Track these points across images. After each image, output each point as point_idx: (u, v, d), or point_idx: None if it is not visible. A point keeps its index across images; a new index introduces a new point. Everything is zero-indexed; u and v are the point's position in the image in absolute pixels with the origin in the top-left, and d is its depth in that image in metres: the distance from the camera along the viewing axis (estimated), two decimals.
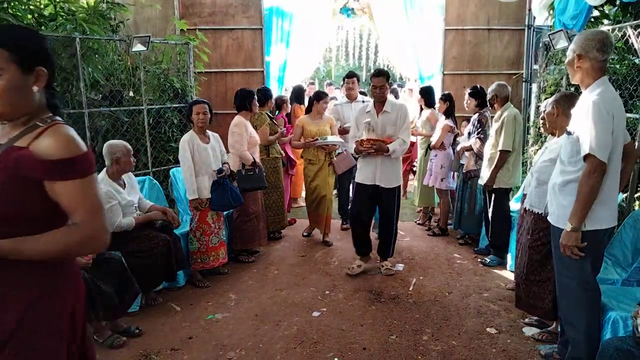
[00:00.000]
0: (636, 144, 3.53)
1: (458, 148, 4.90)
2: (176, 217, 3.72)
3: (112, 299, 2.99)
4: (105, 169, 3.39)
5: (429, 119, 5.53)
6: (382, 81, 3.94)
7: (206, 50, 5.66)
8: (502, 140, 4.12)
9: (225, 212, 4.24)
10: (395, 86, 7.95)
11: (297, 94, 6.35)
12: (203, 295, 3.81)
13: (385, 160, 3.94)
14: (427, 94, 5.59)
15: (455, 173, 5.13)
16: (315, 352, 2.95)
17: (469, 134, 4.71)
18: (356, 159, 4.44)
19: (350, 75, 5.22)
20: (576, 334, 2.47)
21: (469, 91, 4.73)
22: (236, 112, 4.44)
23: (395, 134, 3.94)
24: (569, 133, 2.41)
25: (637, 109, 3.57)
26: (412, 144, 5.94)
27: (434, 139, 5.18)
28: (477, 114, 4.68)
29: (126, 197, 3.42)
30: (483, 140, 4.49)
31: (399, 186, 4.10)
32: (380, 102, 3.94)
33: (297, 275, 4.17)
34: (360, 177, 4.06)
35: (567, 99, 2.75)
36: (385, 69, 4.72)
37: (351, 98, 5.25)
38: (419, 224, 5.71)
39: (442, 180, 5.13)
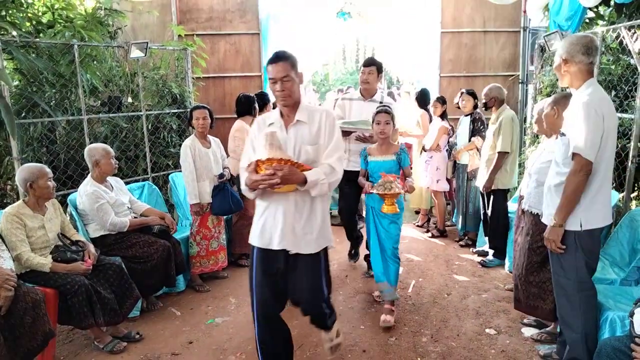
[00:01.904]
0: (632, 144, 3.56)
1: (457, 150, 4.92)
2: (174, 222, 3.74)
3: (112, 304, 3.00)
4: (90, 174, 3.44)
5: (419, 120, 5.57)
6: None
7: (204, 56, 5.69)
8: (500, 142, 4.15)
9: (225, 217, 4.26)
10: (392, 89, 7.99)
11: None
12: (203, 299, 3.82)
13: (301, 201, 2.29)
14: (421, 95, 5.64)
15: (452, 175, 5.16)
16: (315, 355, 2.96)
17: (472, 132, 4.73)
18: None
19: (368, 63, 4.04)
20: (573, 334, 2.49)
21: (467, 91, 4.78)
22: (235, 117, 4.47)
23: (316, 158, 2.32)
24: (563, 135, 2.44)
25: (632, 109, 3.59)
26: (409, 146, 5.98)
27: (428, 141, 5.21)
28: (471, 114, 4.73)
29: (114, 197, 3.45)
30: (484, 138, 4.53)
31: (324, 252, 2.45)
32: (288, 107, 2.34)
33: None
34: (256, 235, 2.37)
35: (566, 100, 2.77)
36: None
37: (366, 94, 4.05)
38: (418, 225, 5.73)
39: (437, 182, 5.16)
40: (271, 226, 2.32)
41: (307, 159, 2.31)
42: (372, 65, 3.98)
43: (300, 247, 2.31)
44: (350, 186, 3.89)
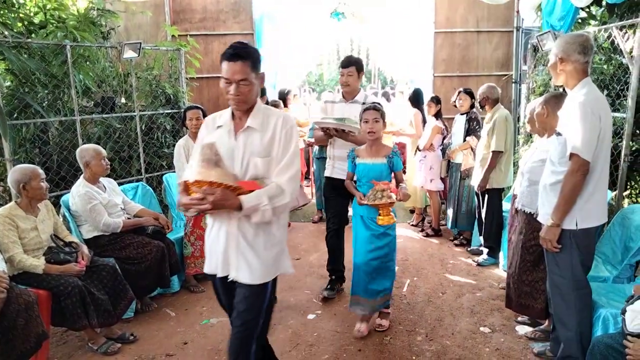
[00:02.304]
0: (624, 142, 3.59)
1: (452, 149, 4.93)
2: (169, 221, 3.73)
3: (106, 305, 2.99)
4: (82, 175, 3.43)
5: (412, 119, 5.59)
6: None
7: (197, 56, 5.68)
8: (495, 142, 4.18)
9: None
10: (387, 89, 8.00)
11: (281, 98, 6.40)
12: (198, 300, 3.81)
13: (246, 221, 1.96)
14: (415, 95, 5.66)
15: (446, 174, 5.18)
16: (310, 354, 2.96)
17: (467, 132, 4.74)
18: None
19: (346, 64, 3.68)
20: (568, 332, 2.50)
21: (464, 89, 4.79)
22: None
23: (266, 174, 1.98)
24: (559, 134, 2.45)
25: (624, 109, 3.62)
26: (403, 146, 6.00)
27: (421, 141, 5.23)
28: (467, 114, 4.75)
29: (107, 198, 3.44)
30: (479, 137, 4.55)
31: (272, 281, 2.10)
32: (241, 110, 2.00)
33: (292, 279, 4.17)
34: (206, 259, 2.13)
35: (556, 99, 2.79)
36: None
37: (348, 96, 3.75)
38: (412, 225, 5.74)
39: (431, 181, 5.18)
40: (215, 250, 2.05)
41: (255, 174, 1.96)
42: (351, 65, 3.65)
43: (240, 274, 1.99)
44: (336, 195, 3.62)
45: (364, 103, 3.51)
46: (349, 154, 3.18)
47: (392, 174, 3.08)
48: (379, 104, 3.16)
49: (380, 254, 3.05)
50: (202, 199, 1.76)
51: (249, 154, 1.96)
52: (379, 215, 2.90)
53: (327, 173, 3.77)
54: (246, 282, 1.98)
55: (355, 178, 3.17)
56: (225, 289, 2.09)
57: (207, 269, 2.09)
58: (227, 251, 2.00)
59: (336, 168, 3.67)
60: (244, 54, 1.87)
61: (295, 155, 1.99)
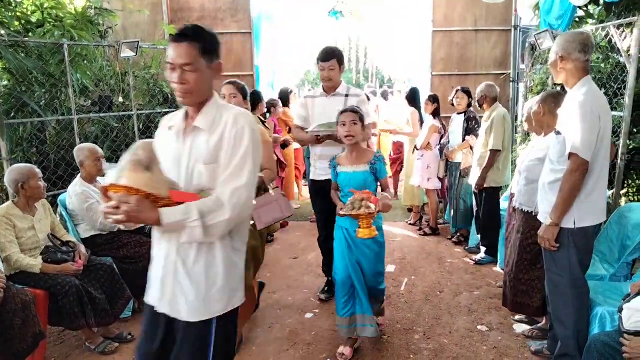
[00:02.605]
0: (621, 141, 3.60)
1: (451, 149, 4.93)
2: None
3: (103, 305, 2.98)
4: (79, 174, 3.43)
5: (409, 118, 5.60)
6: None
7: None
8: (492, 140, 4.18)
9: None
10: (385, 88, 8.00)
11: (282, 97, 6.35)
12: None
13: (184, 249, 1.63)
14: (412, 94, 5.66)
15: (445, 173, 5.18)
16: (308, 353, 2.96)
17: (466, 131, 4.74)
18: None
19: (326, 57, 3.42)
20: (565, 331, 2.51)
21: (462, 88, 4.79)
22: None
23: (211, 184, 1.62)
24: (558, 133, 2.45)
25: (622, 107, 3.62)
26: (401, 145, 6.00)
27: (419, 140, 5.23)
28: (465, 113, 4.75)
29: None
30: (478, 137, 4.55)
31: (220, 320, 1.67)
32: (193, 106, 1.68)
33: (290, 278, 4.18)
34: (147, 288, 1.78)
35: (553, 98, 2.80)
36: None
37: (329, 90, 3.51)
38: (410, 224, 5.74)
39: (428, 180, 5.18)
40: (154, 276, 1.70)
41: (199, 184, 1.60)
42: (332, 58, 3.37)
43: (179, 310, 1.62)
44: (321, 198, 3.37)
45: (346, 95, 3.41)
46: (330, 163, 2.92)
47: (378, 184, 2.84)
48: (357, 107, 2.90)
49: (371, 265, 2.83)
50: (116, 207, 1.45)
51: (194, 160, 1.61)
52: (359, 227, 2.58)
53: (310, 176, 3.63)
54: (190, 319, 1.61)
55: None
56: (153, 326, 1.70)
57: (147, 297, 1.73)
58: (164, 279, 1.65)
59: (317, 169, 3.51)
60: (192, 34, 1.57)
61: (247, 161, 1.58)
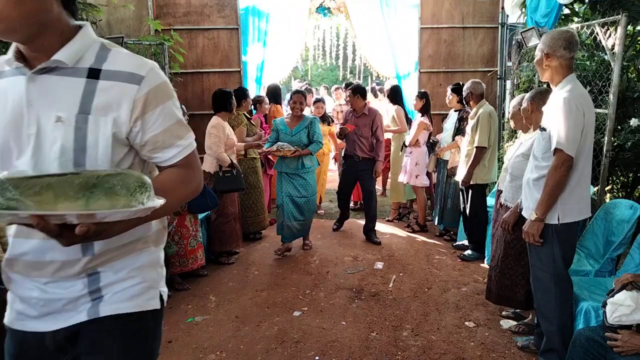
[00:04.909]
0: (606, 138, 3.64)
1: (440, 148, 4.95)
2: None
3: None
4: None
5: (395, 115, 5.61)
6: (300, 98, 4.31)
7: (181, 51, 5.60)
8: (478, 137, 4.20)
9: (202, 214, 4.22)
10: (374, 85, 7.98)
11: (273, 93, 6.31)
12: (183, 298, 3.77)
13: None
14: (392, 92, 5.68)
15: (434, 169, 5.20)
16: (296, 351, 2.95)
17: (457, 131, 4.75)
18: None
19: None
20: (550, 326, 2.54)
21: (452, 87, 4.82)
22: (213, 113, 4.40)
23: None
24: (543, 129, 2.47)
25: (606, 105, 3.66)
26: (387, 142, 6.00)
27: (408, 136, 5.24)
28: (459, 111, 4.77)
29: None
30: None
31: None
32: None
33: (278, 276, 4.16)
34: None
35: (541, 95, 2.82)
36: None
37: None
38: (388, 220, 5.77)
39: (416, 177, 5.19)
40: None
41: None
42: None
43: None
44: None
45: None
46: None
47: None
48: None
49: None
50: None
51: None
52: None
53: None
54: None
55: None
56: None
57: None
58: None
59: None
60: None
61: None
